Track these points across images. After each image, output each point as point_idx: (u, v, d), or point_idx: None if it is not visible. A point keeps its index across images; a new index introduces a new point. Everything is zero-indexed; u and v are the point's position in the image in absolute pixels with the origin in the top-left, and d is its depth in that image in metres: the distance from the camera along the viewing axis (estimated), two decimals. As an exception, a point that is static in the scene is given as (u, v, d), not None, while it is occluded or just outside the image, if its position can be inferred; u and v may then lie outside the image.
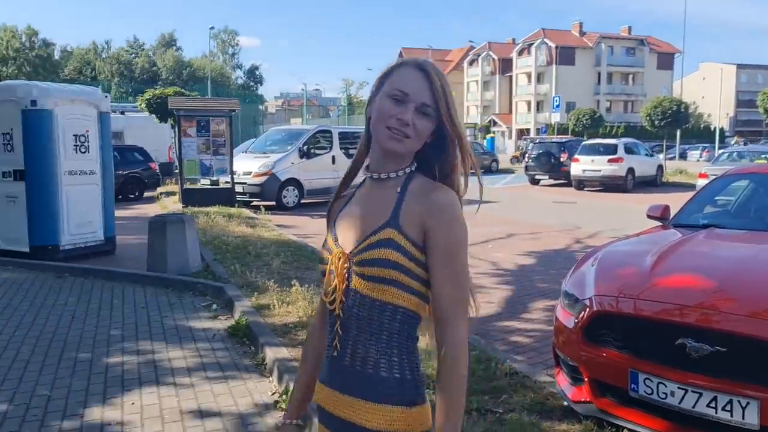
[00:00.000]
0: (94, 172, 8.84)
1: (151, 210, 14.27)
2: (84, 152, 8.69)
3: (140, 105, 19.80)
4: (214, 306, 6.24)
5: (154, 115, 19.53)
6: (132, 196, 17.14)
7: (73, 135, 8.56)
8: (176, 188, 16.72)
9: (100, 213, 8.92)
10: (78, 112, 8.65)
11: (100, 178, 8.93)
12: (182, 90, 21.15)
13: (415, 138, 1.41)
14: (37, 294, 6.85)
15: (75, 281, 7.47)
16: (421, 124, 1.41)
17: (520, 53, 72.07)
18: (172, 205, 15.00)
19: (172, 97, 16.95)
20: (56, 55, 68.77)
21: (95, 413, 3.88)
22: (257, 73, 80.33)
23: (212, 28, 60.96)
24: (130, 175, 17.08)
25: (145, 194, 17.67)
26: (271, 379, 4.38)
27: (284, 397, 3.97)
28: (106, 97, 9.23)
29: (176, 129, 15.38)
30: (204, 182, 14.88)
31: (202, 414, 3.85)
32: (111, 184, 9.23)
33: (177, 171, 16.94)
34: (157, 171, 18.58)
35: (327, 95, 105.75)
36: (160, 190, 18.30)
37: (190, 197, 14.32)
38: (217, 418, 3.78)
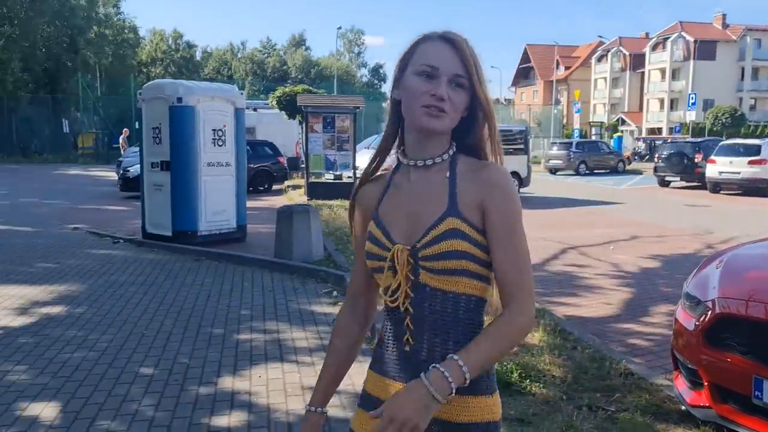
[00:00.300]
0: (229, 164, 9.51)
1: (278, 202, 15.06)
2: (221, 145, 9.38)
3: (271, 102, 20.87)
4: (335, 293, 6.57)
5: (283, 112, 20.52)
6: (261, 188, 18.13)
7: (212, 129, 9.26)
8: (302, 182, 17.52)
9: (234, 203, 9.59)
10: (217, 108, 9.35)
11: (235, 170, 9.60)
12: (310, 88, 22.04)
13: (453, 113, 1.33)
14: (177, 274, 7.52)
15: (210, 264, 8.11)
16: (457, 97, 1.32)
17: (654, 48, 68.28)
18: (298, 197, 15.74)
19: (301, 95, 17.73)
20: (198, 56, 73.72)
21: (227, 382, 4.25)
22: (381, 71, 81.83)
23: (340, 28, 62.90)
24: (260, 169, 18.06)
25: (274, 187, 18.63)
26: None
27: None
28: (241, 94, 9.89)
29: (304, 125, 16.11)
30: (328, 176, 15.49)
31: (321, 390, 4.11)
32: (244, 176, 9.88)
33: (303, 165, 17.75)
34: (285, 165, 19.53)
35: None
36: (287, 183, 19.23)
37: (314, 190, 14.97)
38: (335, 395, 4.02)
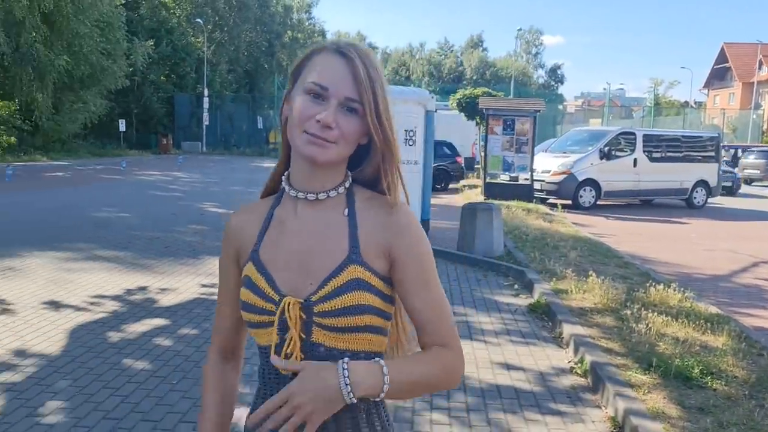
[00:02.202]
0: (417, 162, 10.28)
1: (454, 200, 15.74)
2: (411, 145, 10.17)
3: (451, 104, 21.61)
4: (516, 286, 7.04)
5: (462, 113, 21.17)
6: (438, 186, 18.88)
7: (405, 130, 10.08)
8: (477, 182, 18.03)
9: (419, 198, 10.35)
10: (409, 110, 10.15)
11: (422, 168, 10.36)
12: (490, 91, 22.48)
13: (343, 143, 1.12)
14: (371, 259, 8.40)
15: (398, 253, 8.91)
16: (349, 125, 1.11)
17: None
18: (474, 197, 16.26)
19: (482, 98, 18.25)
20: (378, 58, 76.96)
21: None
22: (558, 72, 79.86)
23: (520, 29, 62.24)
24: (438, 167, 18.83)
25: (450, 186, 19.34)
26: (567, 350, 4.99)
27: (579, 365, 4.56)
28: (432, 98, 10.64)
29: (482, 127, 16.61)
30: (504, 177, 15.87)
31: (508, 366, 4.63)
32: (429, 174, 10.61)
33: (479, 166, 18.25)
34: (462, 165, 20.16)
35: (631, 95, 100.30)
36: (462, 182, 19.86)
37: (491, 190, 15.44)
38: (520, 371, 4.53)
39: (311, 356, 1.11)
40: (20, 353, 4.55)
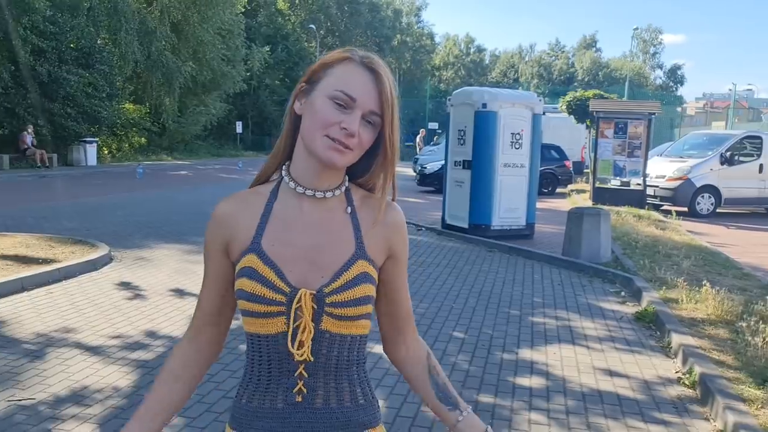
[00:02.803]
0: (523, 165, 10.23)
1: (561, 204, 15.41)
2: (517, 148, 10.14)
3: (561, 106, 21.16)
4: (623, 293, 6.88)
5: (572, 116, 20.67)
6: (545, 190, 18.54)
7: (511, 133, 10.06)
8: (586, 186, 17.55)
9: (525, 202, 10.29)
10: (517, 113, 10.12)
11: (528, 172, 10.29)
12: (602, 93, 21.80)
13: (358, 150, 1.20)
14: (474, 261, 8.47)
15: (502, 256, 8.93)
16: (366, 135, 1.19)
17: None
18: (582, 202, 15.86)
19: (593, 100, 17.76)
20: (486, 60, 76.32)
21: (525, 354, 4.95)
22: (678, 72, 75.77)
23: (636, 28, 59.65)
24: (545, 171, 18.50)
25: (557, 190, 18.95)
26: (675, 360, 4.85)
27: (687, 375, 4.43)
28: (540, 101, 10.53)
29: (593, 130, 16.17)
30: (614, 182, 15.36)
31: (611, 373, 4.57)
32: (536, 178, 10.52)
33: (588, 170, 17.74)
34: (570, 169, 19.68)
35: (760, 96, 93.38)
36: (570, 187, 19.39)
37: (600, 196, 15.00)
38: (624, 379, 4.47)
39: (318, 342, 1.20)
40: (151, 334, 5.02)
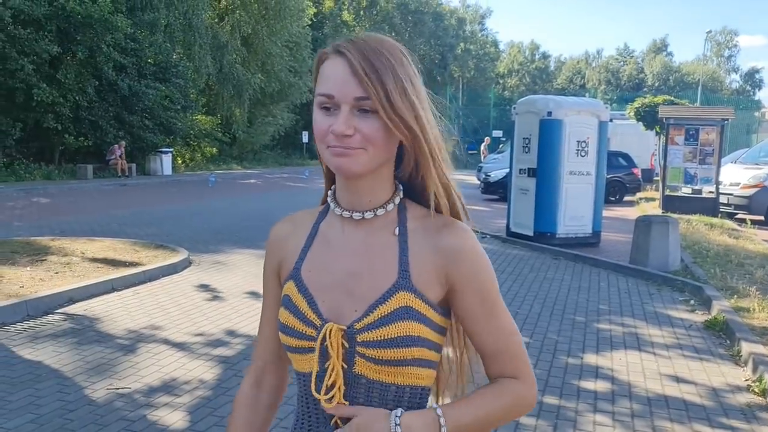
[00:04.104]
0: (590, 173, 10.19)
1: (629, 213, 15.17)
2: (583, 156, 10.11)
3: (629, 113, 20.78)
4: (692, 301, 6.80)
5: (640, 123, 20.27)
6: (613, 198, 18.24)
7: (576, 141, 10.05)
8: (655, 194, 17.17)
9: (591, 210, 10.24)
10: (582, 121, 10.10)
11: (594, 180, 10.23)
12: (672, 98, 21.28)
13: (371, 147, 1.00)
14: (539, 269, 8.52)
15: (567, 264, 8.93)
16: (368, 126, 0.99)
17: None
18: (651, 210, 15.54)
19: (663, 106, 17.39)
20: (551, 66, 75.30)
21: (590, 359, 5.01)
22: (756, 76, 72.71)
23: (709, 31, 57.58)
24: (612, 179, 18.20)
25: (625, 198, 18.60)
26: (744, 369, 4.82)
27: (757, 383, 4.41)
28: (606, 108, 10.47)
29: (662, 137, 15.83)
30: (685, 190, 15.00)
31: (677, 379, 4.59)
32: (602, 186, 10.45)
33: (657, 178, 17.35)
34: (639, 177, 19.29)
35: None
36: (639, 195, 19.00)
37: (670, 204, 14.68)
38: (691, 385, 4.48)
39: (353, 388, 1.03)
40: (230, 332, 5.35)
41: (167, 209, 13.67)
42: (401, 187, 1.09)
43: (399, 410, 1.01)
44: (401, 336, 1.00)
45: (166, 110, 22.84)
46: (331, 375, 1.02)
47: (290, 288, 1.09)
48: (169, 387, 4.15)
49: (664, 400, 4.20)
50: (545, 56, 75.07)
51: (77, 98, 19.20)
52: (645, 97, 21.40)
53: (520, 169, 10.50)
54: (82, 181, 19.41)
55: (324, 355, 1.03)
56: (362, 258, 1.06)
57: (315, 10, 37.80)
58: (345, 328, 1.02)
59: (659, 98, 20.30)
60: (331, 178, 1.13)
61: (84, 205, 13.89)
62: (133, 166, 21.91)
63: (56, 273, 6.71)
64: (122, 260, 7.54)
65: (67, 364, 4.46)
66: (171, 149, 24.05)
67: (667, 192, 15.11)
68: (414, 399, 1.05)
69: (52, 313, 5.66)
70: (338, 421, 1.04)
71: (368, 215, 1.07)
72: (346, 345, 1.02)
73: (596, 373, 4.69)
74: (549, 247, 9.83)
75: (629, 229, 10.01)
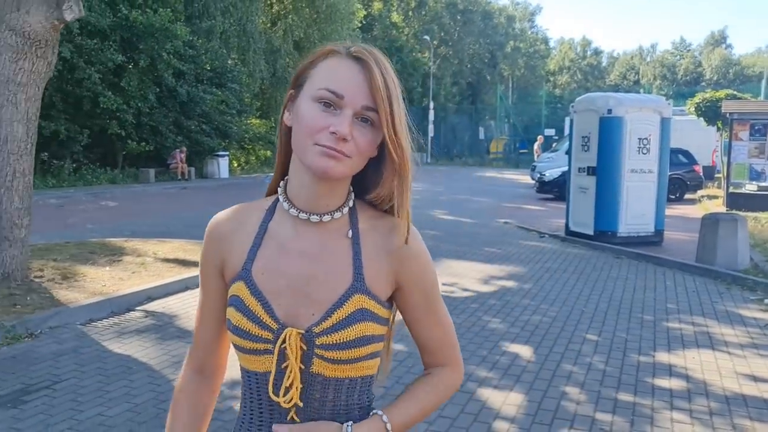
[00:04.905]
0: (651, 171, 10.02)
1: (690, 211, 14.83)
2: (645, 153, 9.96)
3: (689, 108, 20.23)
4: (766, 301, 6.65)
5: (701, 118, 19.71)
6: (672, 197, 17.77)
7: (638, 138, 9.90)
8: (718, 192, 16.70)
9: (653, 208, 10.07)
10: (644, 118, 9.95)
11: (657, 177, 10.07)
12: (735, 92, 20.62)
13: (357, 157, 1.02)
14: (602, 268, 8.44)
15: (630, 263, 8.82)
16: (363, 136, 1.01)
17: None
18: (714, 208, 15.13)
19: (726, 101, 16.88)
20: (604, 62, 73.86)
21: (662, 357, 4.98)
22: (822, 66, 69.62)
23: (770, 20, 55.34)
24: (673, 177, 17.76)
25: (686, 196, 18.15)
26: (825, 368, 4.71)
27: (840, 383, 4.32)
28: (668, 104, 10.29)
29: (725, 132, 15.40)
30: (751, 187, 14.56)
31: (755, 378, 4.53)
32: (665, 183, 10.26)
33: (720, 174, 16.85)
34: (701, 174, 18.80)
35: None
36: (701, 192, 18.51)
37: (735, 201, 14.28)
38: (769, 384, 4.42)
39: (310, 386, 1.06)
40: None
41: (228, 211, 14.03)
42: (352, 191, 1.11)
43: (349, 424, 1.06)
44: (358, 337, 1.04)
45: (222, 115, 23.42)
46: (289, 376, 1.04)
47: (240, 289, 1.08)
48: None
49: (742, 399, 4.16)
50: (597, 52, 73.67)
51: (139, 105, 19.89)
52: (705, 92, 20.80)
53: (579, 168, 10.40)
54: (144, 184, 20.10)
55: (281, 358, 1.04)
56: (317, 261, 1.07)
57: (364, 13, 38.11)
58: (303, 332, 1.03)
59: (721, 93, 19.66)
60: (283, 172, 1.13)
61: (149, 207, 14.41)
62: (192, 169, 22.55)
63: (133, 272, 7.03)
64: (192, 260, 7.82)
65: (153, 358, 4.70)
66: (227, 153, 24.63)
67: (732, 189, 14.71)
68: (365, 387, 1.11)
69: (134, 310, 5.95)
70: (294, 416, 1.07)
71: (326, 218, 1.07)
72: (304, 348, 1.04)
73: (670, 371, 4.66)
74: (610, 245, 9.72)
75: (692, 228, 9.84)
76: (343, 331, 1.03)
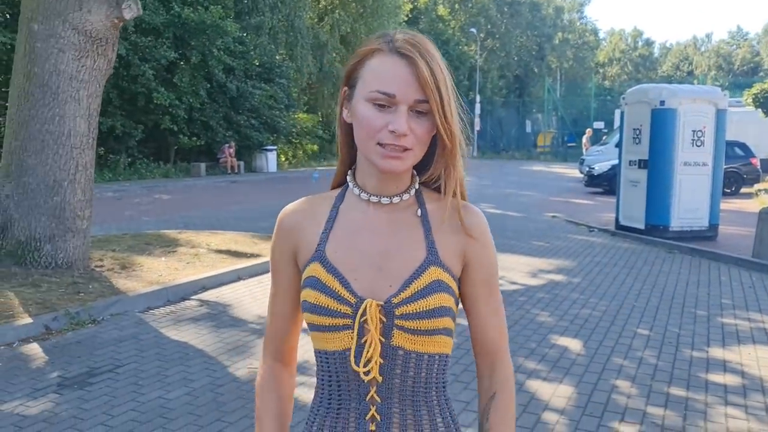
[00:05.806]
0: (706, 164, 9.78)
1: (746, 206, 14.38)
2: (699, 146, 9.72)
3: (746, 99, 19.60)
4: (825, 297, 6.44)
5: (759, 110, 19.08)
6: (728, 190, 17.25)
7: (692, 130, 9.67)
8: (777, 185, 16.10)
9: (708, 202, 9.82)
10: (698, 110, 9.71)
11: (711, 171, 9.81)
12: (795, 83, 19.86)
13: (418, 147, 1.08)
14: (653, 262, 8.30)
15: (683, 258, 8.64)
16: (420, 128, 1.06)
17: None
18: (771, 201, 14.67)
19: (785, 91, 16.29)
20: (656, 53, 71.94)
21: (716, 352, 4.89)
22: None
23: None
24: (728, 170, 17.23)
25: (742, 190, 17.60)
26: None
27: None
28: (724, 95, 10.00)
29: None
30: (812, 181, 14.03)
31: (814, 375, 4.41)
32: (720, 177, 9.99)
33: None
34: (758, 167, 18.19)
35: None
36: (757, 186, 17.91)
37: (794, 195, 13.77)
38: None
39: (391, 360, 1.09)
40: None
41: (278, 204, 14.24)
42: (416, 174, 1.17)
43: None
44: (436, 307, 1.07)
45: (270, 109, 23.76)
46: (369, 350, 1.07)
47: (316, 269, 1.12)
48: (303, 368, 4.43)
49: (800, 396, 4.07)
50: (649, 43, 71.81)
51: (191, 100, 20.35)
52: (764, 83, 20.10)
53: (630, 161, 10.22)
54: (196, 178, 20.59)
55: (361, 332, 1.08)
56: (389, 237, 1.12)
57: (411, 6, 38.06)
58: (382, 303, 1.07)
59: (780, 83, 19.02)
60: (348, 164, 1.20)
61: (200, 200, 14.77)
62: (241, 163, 22.97)
63: (187, 263, 7.25)
64: (244, 252, 8.02)
65: (209, 345, 4.86)
66: (275, 147, 24.99)
67: (791, 183, 14.19)
68: (442, 365, 1.13)
69: (189, 299, 6.15)
70: (375, 395, 1.09)
71: (395, 200, 1.13)
72: (384, 320, 1.07)
73: (724, 366, 4.58)
74: (662, 240, 9.53)
75: (748, 222, 9.56)
76: (421, 301, 1.07)
